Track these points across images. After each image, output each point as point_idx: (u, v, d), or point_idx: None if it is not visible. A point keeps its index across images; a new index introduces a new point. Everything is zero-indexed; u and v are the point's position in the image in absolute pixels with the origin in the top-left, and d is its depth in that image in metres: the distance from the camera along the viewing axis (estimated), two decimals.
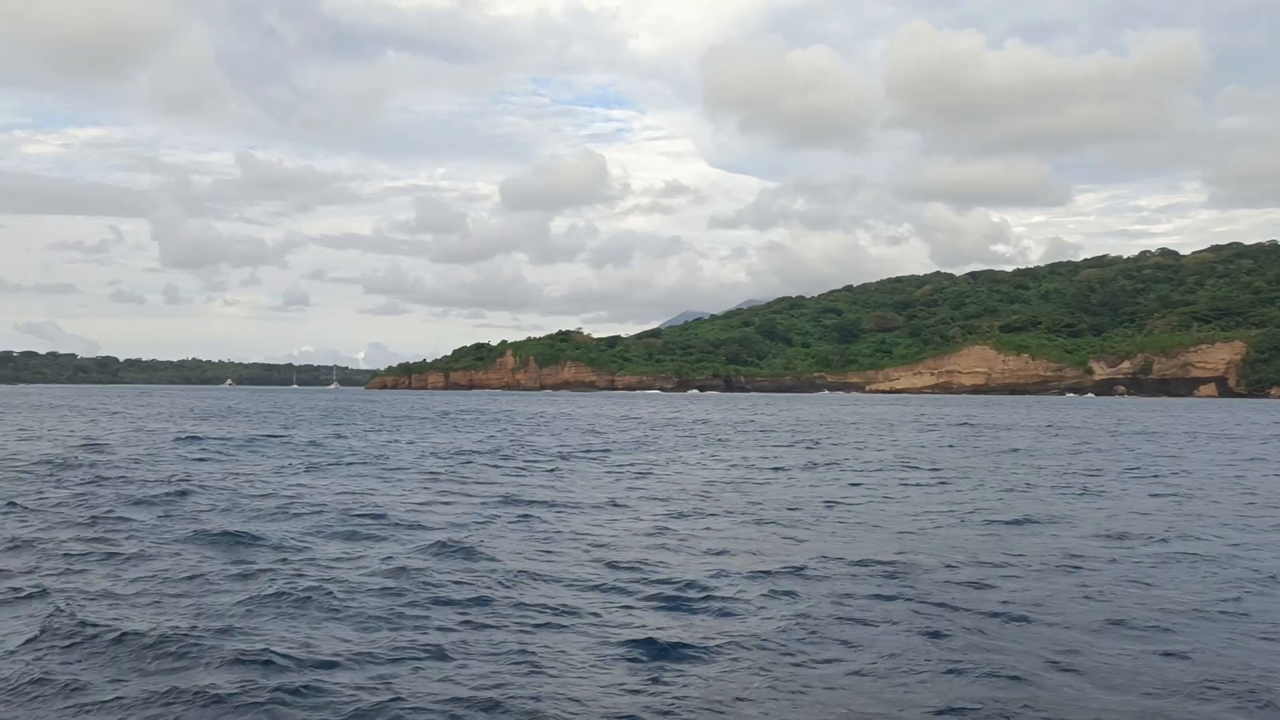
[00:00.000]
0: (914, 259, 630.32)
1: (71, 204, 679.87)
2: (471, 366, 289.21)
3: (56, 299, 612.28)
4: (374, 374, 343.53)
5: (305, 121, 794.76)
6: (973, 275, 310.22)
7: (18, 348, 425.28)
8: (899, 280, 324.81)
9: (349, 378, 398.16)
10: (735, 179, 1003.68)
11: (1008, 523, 16.07)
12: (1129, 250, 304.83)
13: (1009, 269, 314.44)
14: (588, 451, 33.01)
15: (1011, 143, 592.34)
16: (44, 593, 10.20)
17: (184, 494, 18.25)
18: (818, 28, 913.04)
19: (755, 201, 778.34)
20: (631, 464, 27.75)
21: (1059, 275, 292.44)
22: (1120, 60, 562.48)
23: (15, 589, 10.43)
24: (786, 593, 10.55)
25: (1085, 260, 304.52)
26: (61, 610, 9.25)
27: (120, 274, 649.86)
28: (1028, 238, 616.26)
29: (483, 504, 17.82)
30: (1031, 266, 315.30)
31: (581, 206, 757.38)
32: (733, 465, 27.80)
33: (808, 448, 35.63)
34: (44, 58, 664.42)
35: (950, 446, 37.29)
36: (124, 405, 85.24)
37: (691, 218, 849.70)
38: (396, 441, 36.94)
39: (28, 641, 8.47)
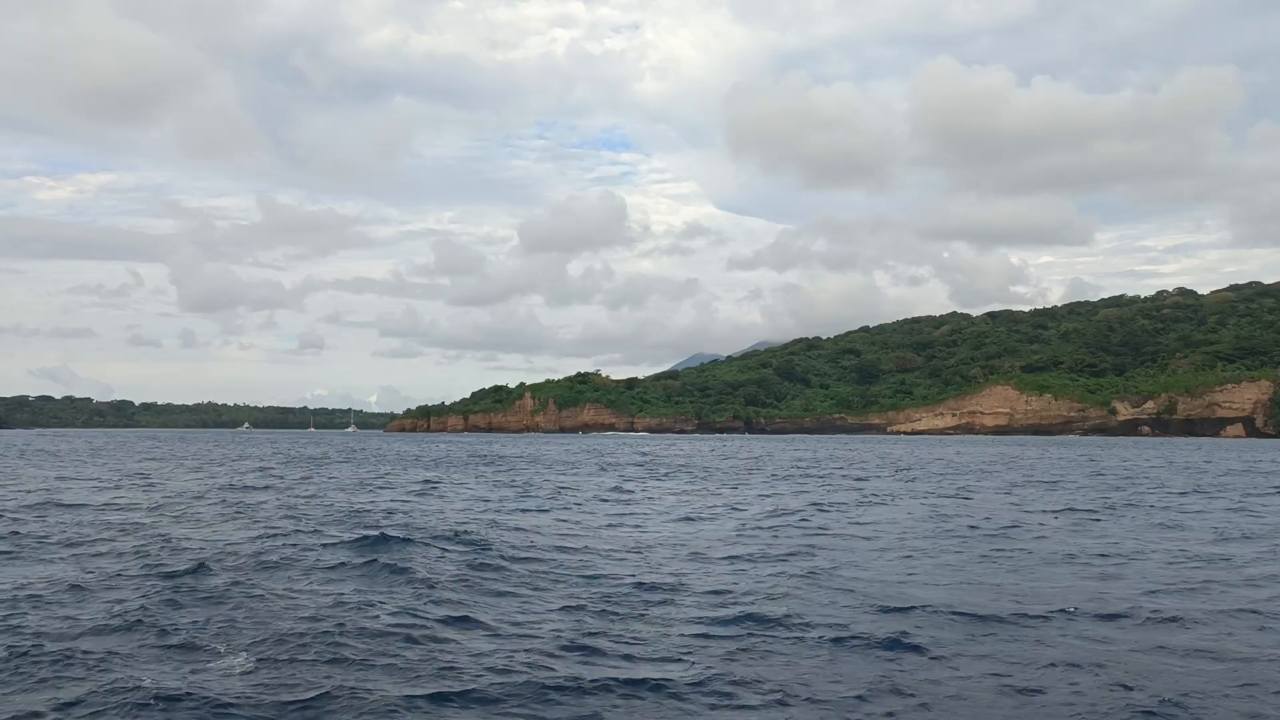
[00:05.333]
0: (930, 300, 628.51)
1: (89, 249, 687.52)
2: (490, 409, 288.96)
3: (73, 343, 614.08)
4: (390, 417, 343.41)
5: (315, 167, 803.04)
6: (991, 315, 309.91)
7: (33, 392, 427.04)
8: (916, 321, 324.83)
9: (364, 420, 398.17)
10: (745, 221, 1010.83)
11: None
12: (1141, 290, 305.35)
13: (1026, 309, 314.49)
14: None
15: (1037, 181, 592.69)
16: None
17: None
18: (820, 69, 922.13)
19: (775, 243, 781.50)
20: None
21: (1078, 315, 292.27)
22: (1151, 97, 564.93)
23: None
24: None
25: (1103, 300, 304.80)
26: None
27: (137, 318, 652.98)
28: (1046, 278, 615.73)
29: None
30: (1049, 306, 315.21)
31: (600, 248, 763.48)
32: None
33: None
34: (56, 103, 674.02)
35: None
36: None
37: (705, 260, 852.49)
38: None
39: None
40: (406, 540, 19.50)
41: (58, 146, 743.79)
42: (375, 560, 17.09)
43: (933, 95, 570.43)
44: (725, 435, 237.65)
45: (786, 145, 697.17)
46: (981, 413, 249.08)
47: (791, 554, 18.68)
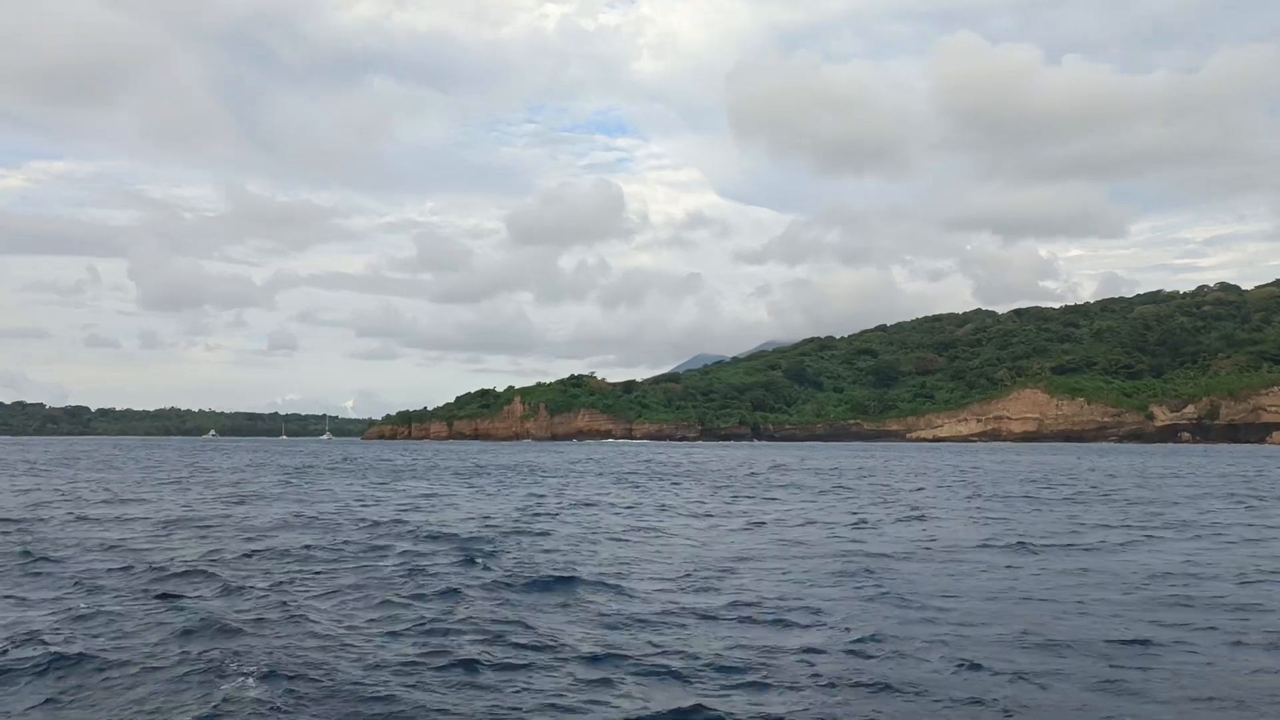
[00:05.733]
0: (953, 296, 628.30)
1: (43, 243, 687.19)
2: (476, 415, 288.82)
3: (26, 344, 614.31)
4: (367, 423, 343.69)
5: (287, 155, 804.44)
6: (1018, 313, 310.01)
7: None
8: (937, 319, 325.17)
9: (340, 427, 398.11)
10: (751, 211, 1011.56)
11: None
12: (1179, 285, 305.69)
13: (1056, 306, 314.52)
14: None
15: (1066, 167, 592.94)
16: None
17: None
18: (828, 46, 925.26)
19: (784, 234, 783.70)
20: None
21: (1112, 313, 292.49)
22: (1187, 78, 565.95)
23: None
24: None
25: (1139, 296, 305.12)
26: None
27: (94, 317, 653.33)
28: (1077, 272, 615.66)
29: None
30: (1081, 303, 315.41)
31: (594, 241, 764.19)
32: None
33: None
34: (7, 85, 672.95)
35: None
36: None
37: (708, 253, 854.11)
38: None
39: None
40: (425, 553, 19.35)
41: (9, 132, 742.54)
42: (396, 575, 16.91)
43: (955, 73, 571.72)
44: (731, 443, 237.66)
45: (795, 128, 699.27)
46: (1009, 418, 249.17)
47: (845, 572, 18.50)
